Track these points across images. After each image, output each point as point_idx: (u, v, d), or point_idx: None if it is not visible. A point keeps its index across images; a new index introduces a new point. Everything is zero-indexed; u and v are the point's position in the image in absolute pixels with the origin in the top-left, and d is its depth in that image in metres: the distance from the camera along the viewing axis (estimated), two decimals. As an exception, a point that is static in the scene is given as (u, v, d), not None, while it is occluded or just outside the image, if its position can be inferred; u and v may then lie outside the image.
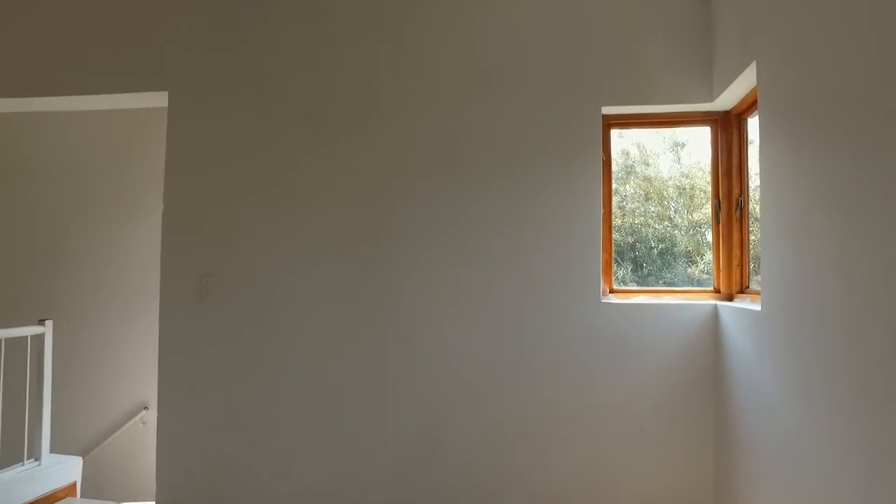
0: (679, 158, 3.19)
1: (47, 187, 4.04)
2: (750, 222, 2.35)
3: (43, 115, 3.55)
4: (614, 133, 2.61)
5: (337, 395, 2.54)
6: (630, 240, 3.11)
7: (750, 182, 2.35)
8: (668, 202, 3.17)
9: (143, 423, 3.78)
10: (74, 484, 3.00)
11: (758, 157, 1.85)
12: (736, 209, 2.42)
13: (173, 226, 2.73)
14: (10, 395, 2.83)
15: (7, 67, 2.94)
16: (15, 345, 2.85)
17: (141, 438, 3.78)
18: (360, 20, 2.60)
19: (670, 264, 3.11)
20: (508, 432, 2.42)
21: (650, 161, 3.19)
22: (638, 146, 3.20)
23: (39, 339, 2.92)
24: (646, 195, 3.15)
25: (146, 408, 3.80)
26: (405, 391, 2.50)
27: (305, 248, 2.59)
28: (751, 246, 2.34)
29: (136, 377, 3.82)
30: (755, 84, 1.96)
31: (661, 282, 2.99)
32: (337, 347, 2.54)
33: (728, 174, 2.46)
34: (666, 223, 3.17)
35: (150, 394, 3.81)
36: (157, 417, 2.72)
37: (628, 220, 3.08)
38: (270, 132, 2.64)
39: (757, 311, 1.89)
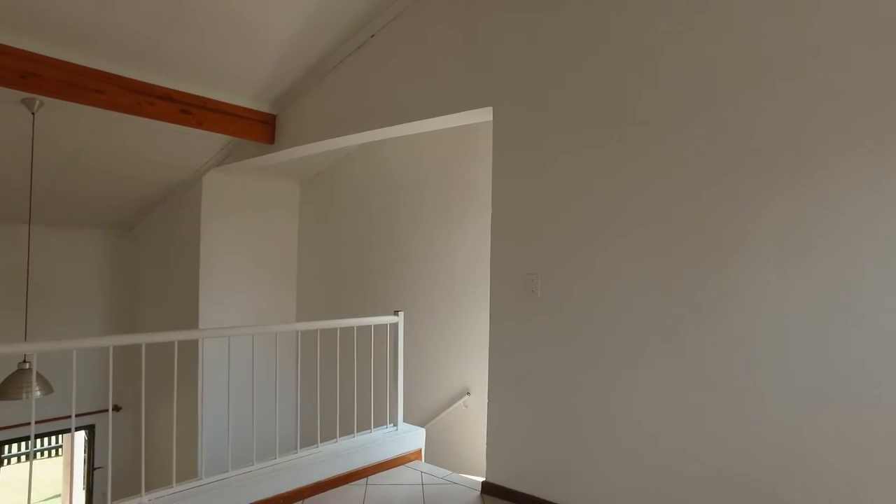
0: None
1: (395, 198, 4.91)
2: None
3: (396, 138, 4.27)
4: None
5: (666, 394, 2.44)
6: None
7: None
8: None
9: (466, 406, 4.27)
10: (420, 450, 3.55)
11: None
12: None
13: (501, 228, 3.00)
14: (378, 370, 3.50)
15: (376, 105, 3.66)
16: (377, 330, 3.53)
17: (464, 420, 4.27)
18: (674, 14, 2.46)
19: None
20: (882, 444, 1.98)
21: None
22: None
23: (394, 326, 3.55)
24: None
25: (468, 393, 4.28)
26: (741, 396, 2.26)
27: (630, 249, 2.57)
28: None
29: (461, 364, 4.35)
30: None
31: None
32: (666, 347, 2.45)
33: None
34: None
35: (472, 381, 4.28)
36: (488, 401, 3.03)
37: None
38: (592, 134, 2.70)
39: None
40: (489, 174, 3.09)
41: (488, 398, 3.03)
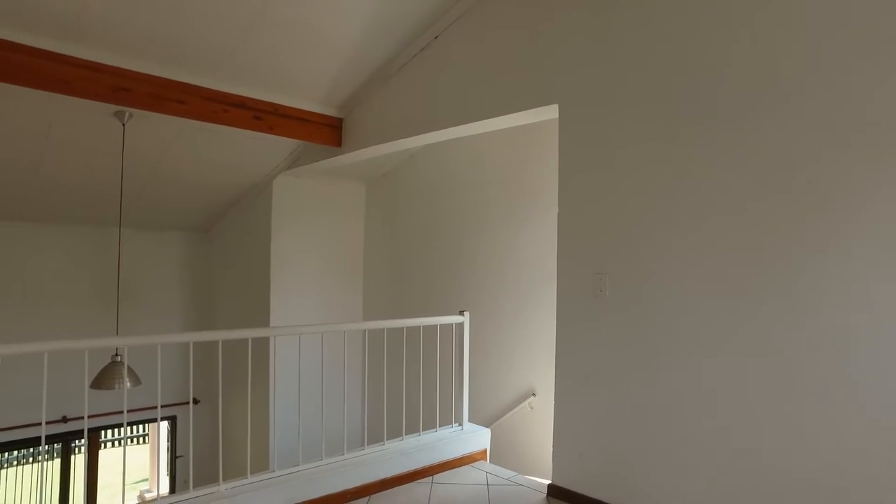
0: None
1: (459, 199, 4.92)
2: None
3: (460, 138, 4.28)
4: None
5: (744, 398, 2.31)
6: None
7: None
8: None
9: (531, 407, 4.21)
10: (485, 450, 3.54)
11: None
12: None
13: (567, 227, 2.94)
14: (443, 369, 3.52)
15: (441, 105, 3.68)
16: (443, 330, 3.55)
17: (529, 421, 4.22)
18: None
19: None
20: None
21: None
22: None
23: (460, 326, 3.55)
24: None
25: (534, 394, 4.22)
26: (831, 406, 2.10)
27: (703, 246, 2.44)
28: None
29: (527, 365, 4.30)
30: None
31: None
32: (746, 349, 2.31)
33: None
34: None
35: (537, 381, 4.22)
36: (554, 403, 2.97)
37: None
38: (660, 131, 2.59)
39: None
40: (554, 173, 3.03)
41: (555, 399, 2.97)
